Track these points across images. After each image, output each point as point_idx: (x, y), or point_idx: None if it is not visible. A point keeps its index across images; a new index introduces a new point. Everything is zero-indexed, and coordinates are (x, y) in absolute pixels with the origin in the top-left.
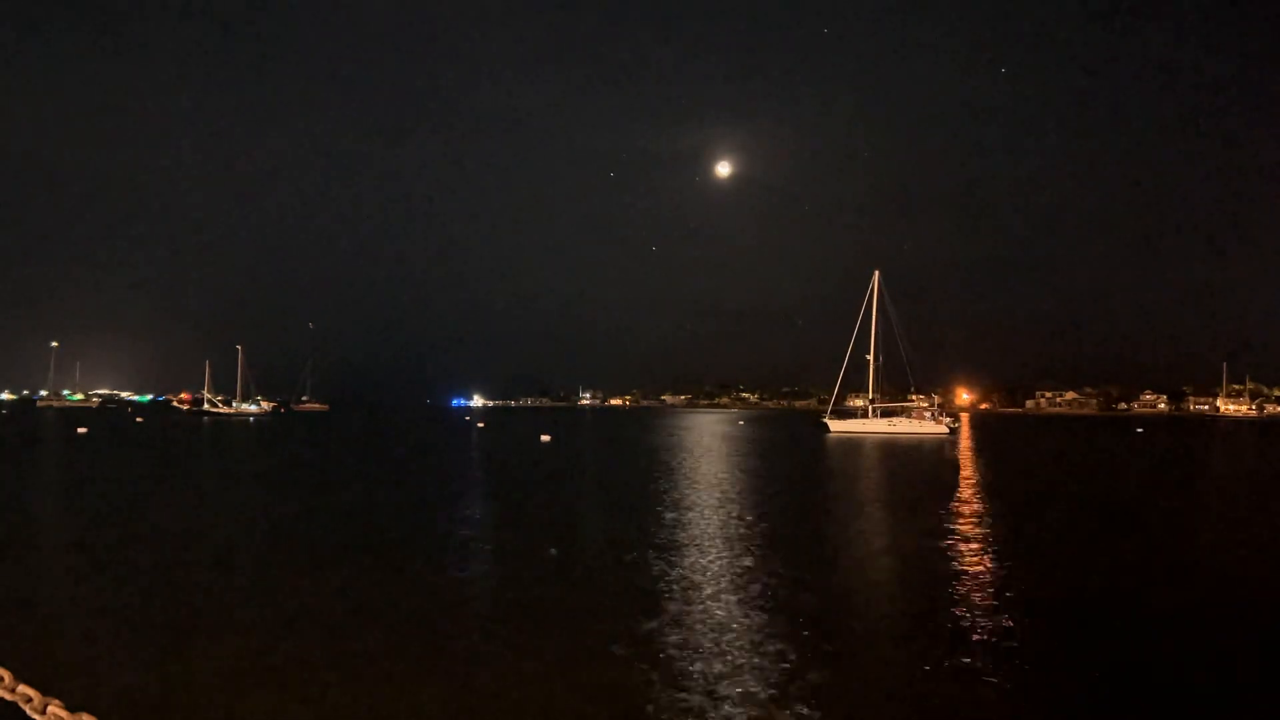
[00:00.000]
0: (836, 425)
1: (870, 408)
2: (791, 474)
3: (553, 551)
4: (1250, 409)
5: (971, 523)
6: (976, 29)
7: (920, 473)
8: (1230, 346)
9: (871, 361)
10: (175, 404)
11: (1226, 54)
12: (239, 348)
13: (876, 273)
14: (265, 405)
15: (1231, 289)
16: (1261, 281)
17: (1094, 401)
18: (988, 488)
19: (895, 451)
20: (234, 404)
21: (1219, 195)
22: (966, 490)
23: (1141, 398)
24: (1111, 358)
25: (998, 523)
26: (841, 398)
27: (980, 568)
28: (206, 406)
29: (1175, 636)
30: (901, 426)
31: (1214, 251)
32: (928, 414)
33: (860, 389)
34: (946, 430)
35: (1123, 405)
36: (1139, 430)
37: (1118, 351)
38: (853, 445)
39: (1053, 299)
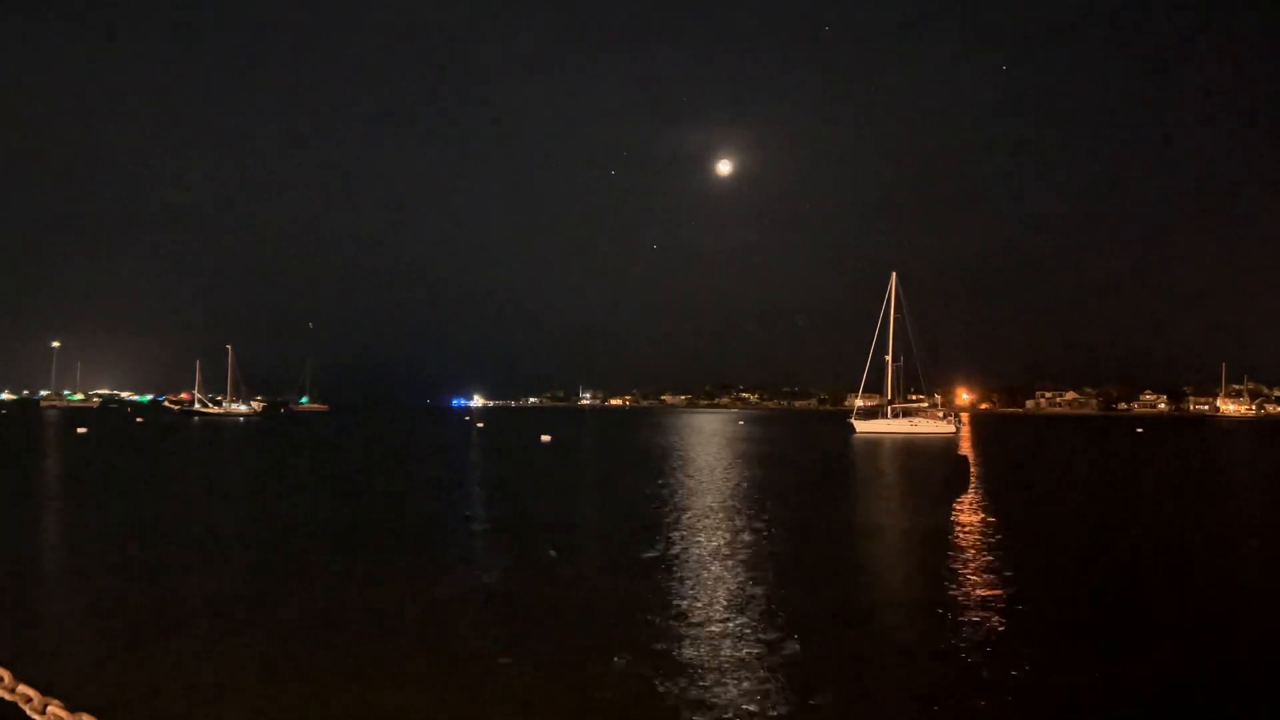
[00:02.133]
0: (862, 425)
1: (890, 408)
2: (828, 477)
3: (552, 553)
4: (1250, 409)
5: (987, 523)
6: (977, 26)
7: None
8: (1230, 346)
9: (890, 363)
10: (167, 404)
11: (1227, 52)
12: (229, 347)
13: (895, 275)
14: (255, 405)
15: (1231, 289)
16: (1261, 281)
17: (1094, 401)
18: (1002, 485)
19: (920, 450)
20: (224, 404)
21: (1219, 194)
22: (986, 486)
23: (1141, 398)
24: (1111, 358)
25: (1011, 522)
26: (842, 398)
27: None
28: (197, 407)
29: (1179, 636)
30: (921, 426)
31: (1214, 252)
32: (940, 414)
33: (863, 389)
34: (954, 429)
35: (1123, 405)
36: (1139, 430)
37: (1118, 351)
38: (886, 445)
39: (1053, 299)
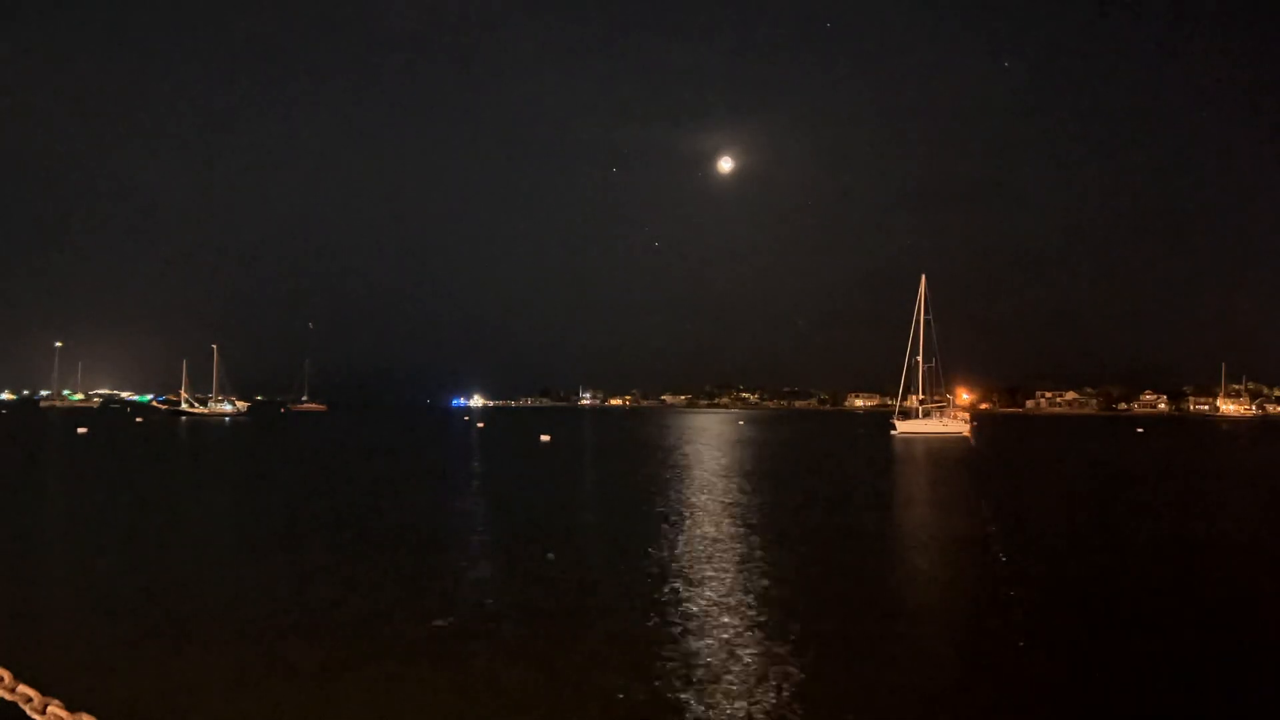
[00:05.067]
0: (902, 425)
1: (920, 409)
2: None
3: (550, 556)
4: (1250, 409)
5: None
6: (978, 23)
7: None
8: (1230, 346)
9: (921, 364)
10: (154, 404)
11: (1227, 51)
12: (214, 346)
13: (924, 276)
14: (240, 405)
15: (1231, 289)
16: (1262, 282)
17: (1094, 401)
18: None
19: (953, 447)
20: (209, 404)
21: (1220, 194)
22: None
23: (1141, 398)
24: (1111, 358)
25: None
26: (842, 398)
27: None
28: (184, 406)
29: (1180, 636)
30: (950, 426)
31: (1215, 252)
32: (957, 414)
33: (862, 389)
34: (969, 429)
35: (1123, 405)
36: (1139, 430)
37: (1118, 351)
38: (928, 443)
39: (1053, 299)
